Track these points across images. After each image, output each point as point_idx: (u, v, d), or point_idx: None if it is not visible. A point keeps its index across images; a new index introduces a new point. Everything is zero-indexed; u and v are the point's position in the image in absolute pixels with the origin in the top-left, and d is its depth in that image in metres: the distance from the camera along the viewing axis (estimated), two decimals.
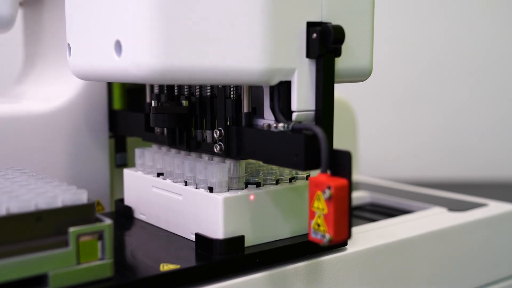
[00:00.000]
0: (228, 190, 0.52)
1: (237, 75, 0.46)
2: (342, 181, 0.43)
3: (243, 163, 0.53)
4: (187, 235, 0.54)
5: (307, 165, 0.45)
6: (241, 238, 0.50)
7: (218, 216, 0.50)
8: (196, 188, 0.53)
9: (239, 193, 0.51)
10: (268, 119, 0.50)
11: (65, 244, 0.42)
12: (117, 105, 0.67)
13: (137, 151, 0.62)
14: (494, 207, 0.71)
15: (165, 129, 0.58)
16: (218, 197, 0.50)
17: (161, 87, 0.59)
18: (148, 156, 0.60)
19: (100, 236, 0.43)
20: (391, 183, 0.87)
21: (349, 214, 0.44)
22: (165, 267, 0.46)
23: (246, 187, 0.53)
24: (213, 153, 0.53)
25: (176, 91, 0.58)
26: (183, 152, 0.58)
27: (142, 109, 0.65)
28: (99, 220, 0.44)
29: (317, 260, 0.52)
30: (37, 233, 0.41)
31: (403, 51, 1.65)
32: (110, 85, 0.66)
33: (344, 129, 0.91)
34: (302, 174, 0.56)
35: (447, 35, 1.66)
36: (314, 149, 0.45)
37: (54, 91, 0.65)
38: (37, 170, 0.62)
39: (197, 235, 0.52)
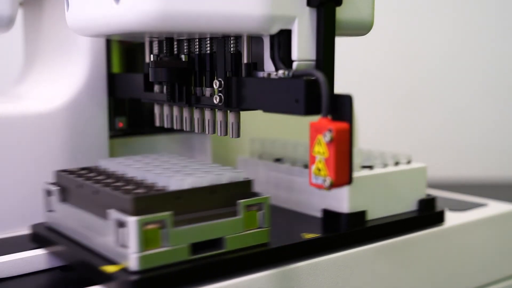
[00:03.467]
0: None
1: (237, 22, 0.46)
2: (343, 125, 0.43)
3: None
4: (311, 212, 0.61)
5: (308, 110, 0.45)
6: (363, 213, 0.58)
7: (344, 193, 0.57)
8: None
9: (361, 173, 0.59)
10: (268, 70, 0.50)
11: (235, 214, 0.49)
12: (116, 68, 0.66)
13: (251, 140, 0.70)
14: (494, 207, 0.71)
15: (164, 87, 0.58)
16: None
17: (160, 46, 0.58)
18: (259, 144, 0.69)
19: (259, 207, 0.50)
20: None
21: (350, 159, 0.43)
22: (307, 235, 0.54)
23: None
24: (213, 106, 0.53)
25: (175, 49, 0.57)
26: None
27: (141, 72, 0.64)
28: (256, 195, 0.51)
29: (317, 260, 0.53)
30: (212, 204, 0.48)
31: (403, 52, 1.65)
32: (108, 48, 0.66)
33: None
34: (404, 160, 0.64)
35: (447, 35, 1.66)
36: (315, 94, 0.45)
37: (54, 91, 0.65)
38: (37, 170, 0.62)
39: (324, 210, 0.59)
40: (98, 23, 0.49)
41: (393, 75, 1.65)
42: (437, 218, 0.64)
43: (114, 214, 0.45)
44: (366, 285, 0.57)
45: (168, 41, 0.56)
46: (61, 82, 0.66)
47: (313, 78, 0.45)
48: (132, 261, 0.44)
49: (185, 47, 0.55)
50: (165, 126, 0.60)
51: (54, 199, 0.54)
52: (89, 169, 0.56)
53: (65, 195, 0.54)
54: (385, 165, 0.62)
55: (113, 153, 0.68)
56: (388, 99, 1.66)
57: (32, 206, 0.62)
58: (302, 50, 0.48)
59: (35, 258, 0.53)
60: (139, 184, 0.49)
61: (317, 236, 0.54)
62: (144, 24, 0.44)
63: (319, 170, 0.44)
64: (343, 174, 0.43)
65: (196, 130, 0.57)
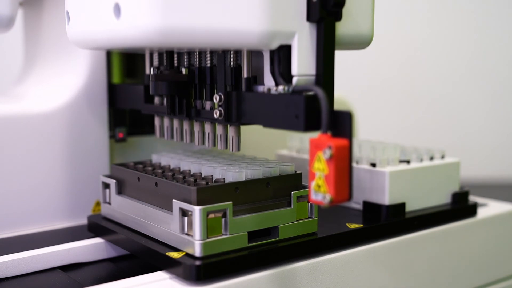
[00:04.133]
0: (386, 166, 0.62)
1: (237, 38, 0.46)
2: (342, 141, 0.43)
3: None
4: (351, 204, 0.64)
5: (308, 126, 0.45)
6: (403, 205, 0.61)
7: (384, 186, 0.60)
8: (357, 164, 0.63)
9: (399, 167, 0.62)
10: (268, 84, 0.50)
11: (286, 204, 0.53)
12: (116, 79, 0.66)
13: (289, 137, 0.74)
14: (494, 207, 0.71)
15: (165, 99, 0.58)
16: (385, 171, 0.60)
17: (160, 58, 0.58)
18: (298, 140, 0.73)
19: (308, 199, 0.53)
20: None
21: (350, 175, 0.43)
22: (352, 225, 0.57)
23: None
24: (213, 120, 0.53)
25: (176, 62, 0.57)
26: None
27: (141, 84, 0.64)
28: (305, 187, 0.54)
29: (317, 260, 0.53)
30: (266, 195, 0.52)
31: (403, 52, 1.65)
32: (109, 59, 0.66)
33: None
34: (438, 155, 0.67)
35: (447, 34, 1.66)
36: (315, 109, 0.45)
37: (54, 91, 0.65)
38: (37, 170, 0.62)
39: (365, 202, 0.62)
40: (99, 37, 0.49)
41: (393, 74, 1.65)
42: (471, 211, 0.67)
43: (178, 204, 0.49)
44: (366, 284, 0.57)
45: (169, 54, 0.57)
46: (61, 82, 0.66)
47: (312, 94, 0.45)
48: (197, 248, 0.48)
49: (185, 60, 0.56)
50: (166, 138, 0.61)
51: (110, 191, 0.59)
52: (143, 163, 0.60)
53: (121, 187, 0.58)
54: (421, 160, 0.66)
55: (113, 153, 0.68)
56: (387, 99, 1.66)
57: (32, 205, 0.62)
58: (302, 65, 0.48)
59: (93, 247, 0.57)
60: (197, 176, 0.53)
61: (361, 226, 0.57)
62: (145, 39, 0.44)
63: (319, 186, 0.44)
64: (342, 190, 0.43)
65: (196, 143, 0.57)
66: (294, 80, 0.48)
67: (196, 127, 0.57)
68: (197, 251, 0.48)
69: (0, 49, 1.25)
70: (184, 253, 0.49)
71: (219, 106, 0.52)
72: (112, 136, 0.68)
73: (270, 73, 0.49)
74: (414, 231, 0.61)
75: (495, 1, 1.66)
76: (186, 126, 0.58)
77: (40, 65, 0.72)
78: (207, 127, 0.56)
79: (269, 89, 0.48)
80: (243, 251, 0.49)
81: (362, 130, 1.11)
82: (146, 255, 0.52)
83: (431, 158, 0.67)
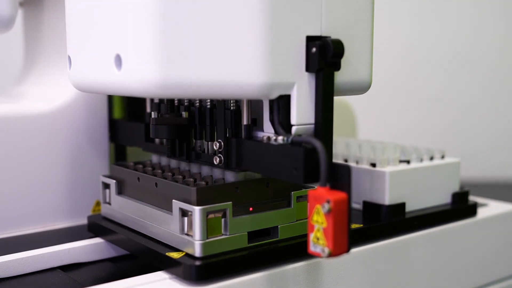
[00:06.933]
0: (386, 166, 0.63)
1: (237, 90, 0.46)
2: (341, 195, 0.43)
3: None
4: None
5: (307, 178, 0.45)
6: (403, 205, 0.61)
7: (385, 186, 0.60)
8: (357, 164, 0.64)
9: (399, 167, 0.62)
10: (267, 131, 0.50)
11: (288, 204, 0.53)
12: (117, 113, 0.67)
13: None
14: (494, 207, 0.71)
15: (165, 139, 0.58)
16: (385, 171, 0.60)
17: (161, 98, 0.59)
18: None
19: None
20: None
21: (348, 228, 0.43)
22: (352, 225, 0.56)
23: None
24: (213, 165, 0.54)
25: (176, 102, 0.58)
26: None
27: (142, 118, 0.64)
28: (305, 187, 0.54)
29: (317, 260, 0.53)
30: (266, 195, 0.53)
31: (403, 52, 1.65)
32: None
33: (344, 129, 0.91)
34: (438, 155, 0.68)
35: (447, 34, 1.66)
36: (314, 162, 0.45)
37: (54, 91, 0.65)
38: (37, 170, 0.62)
39: (364, 202, 0.62)
40: (100, 85, 0.49)
41: (393, 74, 1.65)
42: (471, 211, 0.67)
43: (178, 204, 0.50)
44: (366, 284, 0.57)
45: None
46: (61, 83, 0.66)
47: (311, 146, 0.45)
48: (196, 248, 0.48)
49: (185, 101, 0.56)
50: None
51: (110, 191, 0.59)
52: (143, 163, 0.61)
53: (121, 187, 0.59)
54: (421, 160, 0.66)
55: (113, 153, 0.68)
56: (387, 99, 1.66)
57: (32, 205, 0.62)
58: (301, 114, 0.48)
59: (93, 247, 0.57)
60: (197, 176, 0.54)
61: (361, 226, 0.57)
62: (146, 91, 0.44)
63: (317, 239, 0.44)
64: (341, 244, 0.43)
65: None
66: (293, 129, 0.47)
67: (194, 168, 0.57)
68: (197, 251, 0.48)
69: (0, 49, 1.25)
70: (184, 253, 0.49)
71: (219, 152, 0.52)
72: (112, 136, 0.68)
73: (269, 121, 0.49)
74: (414, 231, 0.61)
75: (495, 1, 1.66)
76: (185, 167, 0.58)
77: (40, 65, 0.72)
78: (206, 170, 0.56)
79: (268, 138, 0.48)
80: (243, 251, 0.49)
81: (362, 130, 1.11)
82: (146, 255, 0.53)
83: (431, 158, 0.67)
